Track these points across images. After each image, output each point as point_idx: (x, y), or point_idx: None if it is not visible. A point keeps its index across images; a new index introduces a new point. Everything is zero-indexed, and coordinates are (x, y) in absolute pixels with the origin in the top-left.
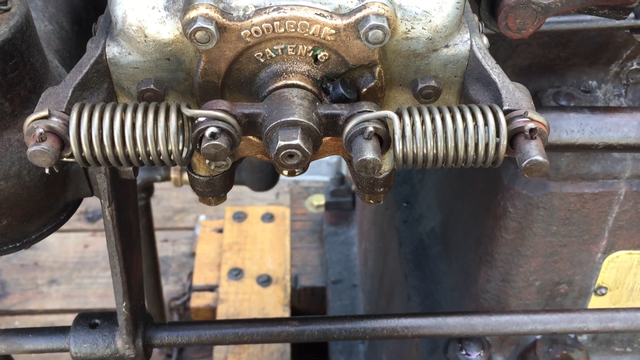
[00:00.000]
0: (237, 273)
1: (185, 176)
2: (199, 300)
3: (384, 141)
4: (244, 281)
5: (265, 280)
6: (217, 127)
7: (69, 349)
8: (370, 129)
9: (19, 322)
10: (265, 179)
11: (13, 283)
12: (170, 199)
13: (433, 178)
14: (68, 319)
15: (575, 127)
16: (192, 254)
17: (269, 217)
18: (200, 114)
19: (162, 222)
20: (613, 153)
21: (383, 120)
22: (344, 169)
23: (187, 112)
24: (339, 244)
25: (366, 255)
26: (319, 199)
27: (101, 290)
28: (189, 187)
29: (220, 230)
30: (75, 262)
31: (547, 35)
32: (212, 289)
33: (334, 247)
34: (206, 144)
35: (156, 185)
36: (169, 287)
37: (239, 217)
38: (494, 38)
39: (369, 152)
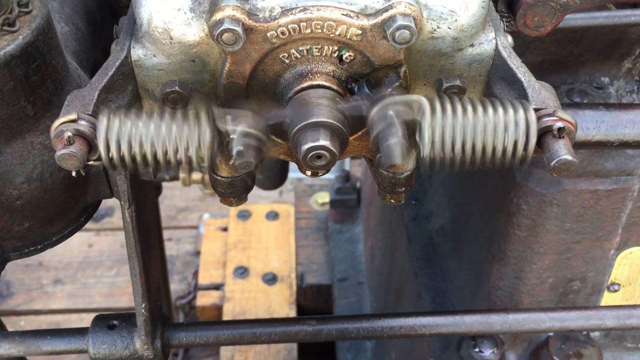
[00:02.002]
0: (242, 271)
1: (194, 176)
2: (204, 299)
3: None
4: (250, 279)
5: (270, 279)
6: (243, 144)
7: (88, 350)
8: (391, 112)
9: (24, 322)
10: (274, 178)
11: (18, 283)
12: (174, 197)
13: (442, 175)
14: (73, 319)
15: (591, 124)
16: (196, 253)
17: (273, 215)
18: (230, 129)
19: (166, 221)
20: (627, 150)
21: (409, 105)
22: (348, 166)
23: (221, 127)
24: (345, 241)
25: (373, 252)
26: (324, 197)
27: (106, 289)
28: (193, 186)
29: (225, 229)
30: (79, 261)
31: (561, 32)
32: (217, 287)
33: (339, 245)
34: (235, 162)
35: None
36: (174, 286)
37: (244, 215)
38: None
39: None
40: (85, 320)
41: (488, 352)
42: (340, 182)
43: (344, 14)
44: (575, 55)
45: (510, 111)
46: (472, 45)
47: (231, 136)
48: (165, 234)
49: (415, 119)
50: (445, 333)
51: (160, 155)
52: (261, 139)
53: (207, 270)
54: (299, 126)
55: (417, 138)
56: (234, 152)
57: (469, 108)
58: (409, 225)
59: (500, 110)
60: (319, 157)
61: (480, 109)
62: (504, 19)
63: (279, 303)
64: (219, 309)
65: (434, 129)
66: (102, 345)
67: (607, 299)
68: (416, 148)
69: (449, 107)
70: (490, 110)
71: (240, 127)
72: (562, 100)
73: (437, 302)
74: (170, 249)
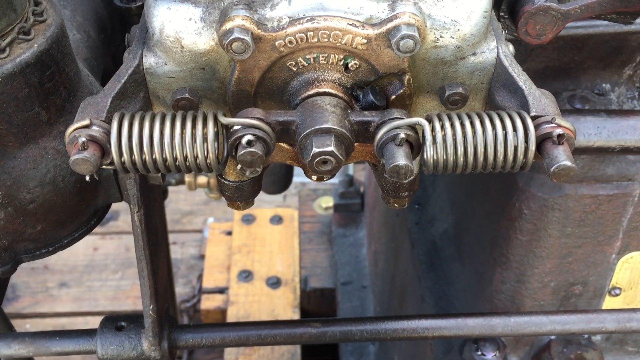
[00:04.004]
0: (246, 275)
1: (199, 180)
2: (209, 303)
3: (415, 147)
4: (254, 283)
5: (274, 282)
6: (253, 134)
7: (96, 350)
8: (402, 135)
9: (29, 324)
10: (279, 182)
11: (23, 286)
12: (179, 201)
13: (445, 180)
14: (78, 322)
15: (592, 130)
16: (201, 257)
17: (277, 219)
18: (237, 122)
19: (171, 224)
20: (628, 155)
21: (413, 127)
22: (352, 171)
23: (224, 120)
24: (348, 245)
25: (376, 256)
26: (328, 201)
27: (111, 292)
28: (197, 190)
29: (229, 233)
30: (85, 265)
31: (562, 40)
32: (222, 291)
33: (343, 249)
34: (242, 152)
35: None
36: (179, 290)
37: (248, 219)
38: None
39: (401, 158)
40: (91, 323)
41: (490, 355)
42: (344, 187)
43: (349, 24)
44: (576, 62)
45: (508, 122)
46: (474, 54)
47: (234, 127)
48: (170, 237)
49: (419, 140)
50: (447, 335)
51: (167, 154)
52: (268, 133)
53: (212, 273)
54: (307, 131)
55: (421, 158)
56: (243, 141)
57: (468, 124)
58: (412, 229)
59: (498, 122)
60: (325, 162)
61: (478, 124)
62: (505, 28)
63: (283, 307)
64: (223, 312)
65: (435, 149)
66: (110, 346)
67: (609, 303)
68: (420, 160)
69: (448, 125)
70: (488, 124)
71: (247, 119)
72: (563, 107)
73: (440, 306)
74: (174, 252)
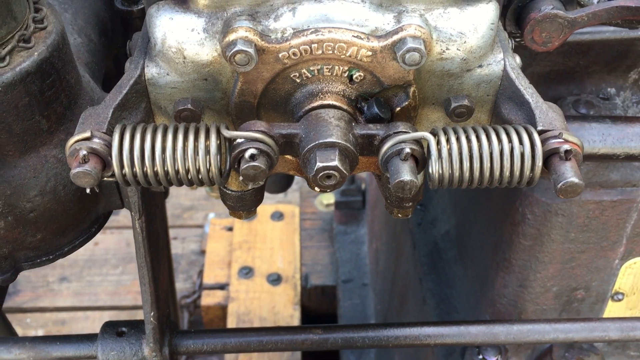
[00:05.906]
0: (247, 271)
1: None
2: (209, 299)
3: (419, 161)
4: (254, 280)
5: (275, 279)
6: (257, 148)
7: (97, 356)
8: (407, 150)
9: (30, 319)
10: (280, 182)
11: (24, 280)
12: (180, 196)
13: None
14: (79, 317)
15: (597, 137)
16: (202, 252)
17: (278, 216)
18: (240, 135)
19: (172, 219)
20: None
21: (419, 141)
22: None
23: (227, 133)
24: (349, 242)
25: (377, 255)
26: (329, 198)
27: (111, 287)
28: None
29: (230, 229)
30: (85, 259)
31: (567, 44)
32: (222, 287)
33: (344, 246)
34: (245, 165)
35: None
36: (179, 285)
37: None
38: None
39: (406, 173)
40: (91, 318)
41: (492, 359)
42: (345, 184)
43: (354, 36)
44: (582, 67)
45: (515, 137)
46: (480, 66)
47: (237, 141)
48: (171, 232)
49: (424, 154)
50: (449, 343)
51: (169, 167)
52: (271, 146)
53: (212, 269)
54: (311, 145)
55: (426, 172)
56: (247, 154)
57: (473, 139)
58: (414, 230)
59: (504, 137)
60: (329, 176)
61: (484, 138)
62: (511, 37)
63: (283, 304)
64: (223, 308)
65: (440, 164)
66: (111, 352)
67: (611, 308)
68: (425, 174)
69: (453, 140)
70: (494, 138)
71: (250, 133)
72: (568, 111)
73: (441, 308)
74: (175, 247)
